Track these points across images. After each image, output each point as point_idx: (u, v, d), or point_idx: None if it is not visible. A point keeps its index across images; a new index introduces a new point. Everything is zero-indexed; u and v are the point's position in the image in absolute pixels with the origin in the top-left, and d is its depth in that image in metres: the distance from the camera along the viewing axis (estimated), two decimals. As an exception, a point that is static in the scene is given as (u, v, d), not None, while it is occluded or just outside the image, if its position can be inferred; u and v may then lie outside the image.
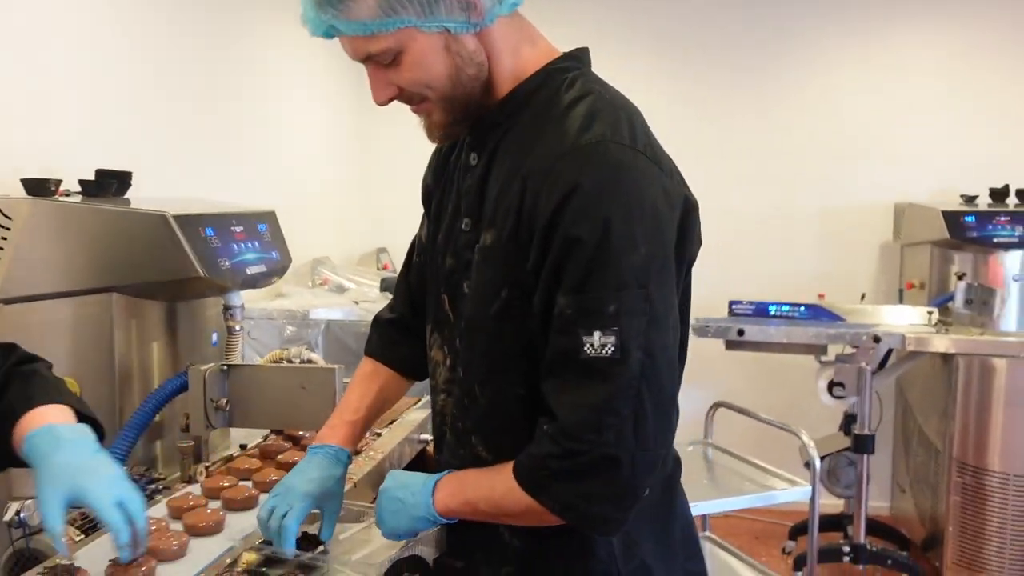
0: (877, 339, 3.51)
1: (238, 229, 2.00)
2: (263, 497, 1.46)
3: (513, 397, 1.16)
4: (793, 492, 2.47)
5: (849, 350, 3.69)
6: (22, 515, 1.34)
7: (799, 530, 3.95)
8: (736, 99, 4.43)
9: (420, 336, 1.36)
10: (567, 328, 1.05)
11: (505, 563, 1.23)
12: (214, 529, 1.37)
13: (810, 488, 2.45)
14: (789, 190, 4.42)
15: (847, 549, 3.61)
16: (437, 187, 1.31)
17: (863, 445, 3.60)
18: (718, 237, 4.35)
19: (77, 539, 1.40)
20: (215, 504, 1.47)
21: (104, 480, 1.07)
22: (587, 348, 1.03)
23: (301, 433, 1.90)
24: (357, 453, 1.77)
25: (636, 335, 1.03)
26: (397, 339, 1.44)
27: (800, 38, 4.38)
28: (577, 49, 1.21)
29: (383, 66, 1.12)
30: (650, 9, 4.42)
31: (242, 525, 1.40)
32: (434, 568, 1.27)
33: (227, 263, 1.88)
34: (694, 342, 3.86)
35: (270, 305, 3.12)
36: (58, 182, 1.88)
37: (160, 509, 1.47)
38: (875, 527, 3.90)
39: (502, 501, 1.13)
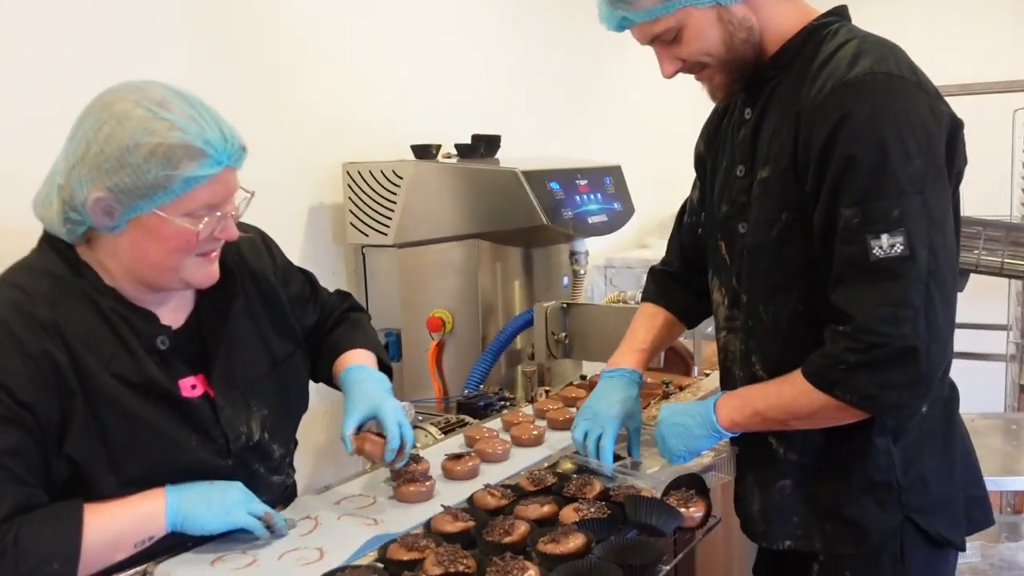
0: None
1: (582, 182, 2.22)
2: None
3: (794, 314, 1.24)
4: None
5: None
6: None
7: None
8: None
9: (690, 285, 1.55)
10: (854, 237, 1.14)
11: (781, 477, 1.32)
12: (535, 441, 1.61)
13: None
14: None
15: None
16: (710, 151, 1.44)
17: None
18: None
19: (439, 436, 1.73)
20: (541, 423, 1.70)
21: (392, 407, 1.38)
22: (876, 251, 1.12)
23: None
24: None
25: (921, 235, 1.11)
26: (671, 287, 1.59)
27: None
28: (836, 6, 1.29)
29: (667, 44, 1.27)
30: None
31: (562, 440, 1.61)
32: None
33: (570, 213, 2.11)
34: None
35: (630, 255, 3.34)
36: (438, 146, 2.25)
37: (496, 423, 1.74)
38: None
39: (792, 404, 1.23)
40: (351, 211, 2.21)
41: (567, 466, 1.52)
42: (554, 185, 2.10)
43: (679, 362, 2.13)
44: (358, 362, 1.45)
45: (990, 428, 2.56)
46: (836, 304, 1.16)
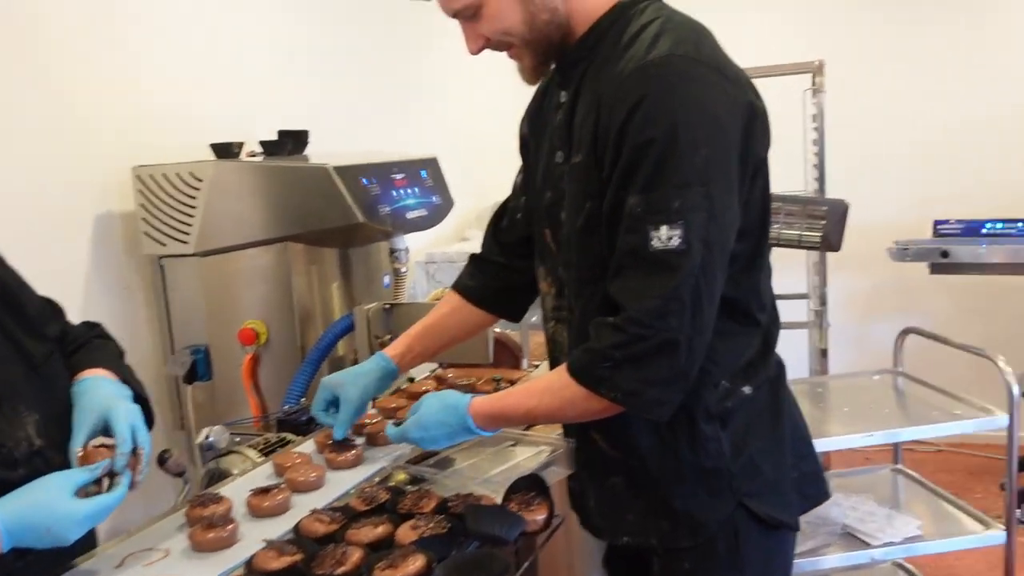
0: (1110, 255, 3.13)
1: (399, 176, 2.13)
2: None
3: (602, 307, 1.20)
4: (984, 421, 2.28)
5: (1079, 269, 3.32)
6: (210, 439, 1.54)
7: (1019, 466, 3.65)
8: (933, 4, 4.03)
9: (506, 273, 1.52)
10: (636, 225, 1.13)
11: (611, 474, 1.31)
12: (354, 462, 1.50)
13: (1007, 416, 2.26)
14: (998, 94, 3.96)
15: (1076, 486, 3.30)
16: (533, 135, 1.41)
17: (1092, 373, 3.25)
18: (918, 151, 4.07)
19: (258, 460, 1.60)
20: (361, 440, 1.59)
21: (126, 410, 1.25)
22: (654, 242, 1.11)
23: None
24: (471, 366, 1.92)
25: (698, 229, 1.11)
26: (479, 275, 1.57)
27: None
28: None
29: (469, 20, 1.25)
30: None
31: (394, 450, 1.53)
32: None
33: (387, 209, 2.02)
34: (894, 268, 3.64)
35: (451, 249, 3.28)
36: (240, 144, 2.09)
37: (308, 445, 1.62)
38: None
39: (547, 401, 1.23)
40: (144, 219, 2.01)
41: (400, 477, 1.45)
42: (368, 180, 2.00)
43: (508, 356, 2.09)
44: (92, 375, 1.31)
45: (797, 393, 2.68)
46: (611, 294, 1.15)
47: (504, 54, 1.30)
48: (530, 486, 1.28)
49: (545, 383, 1.26)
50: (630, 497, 1.31)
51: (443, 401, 1.32)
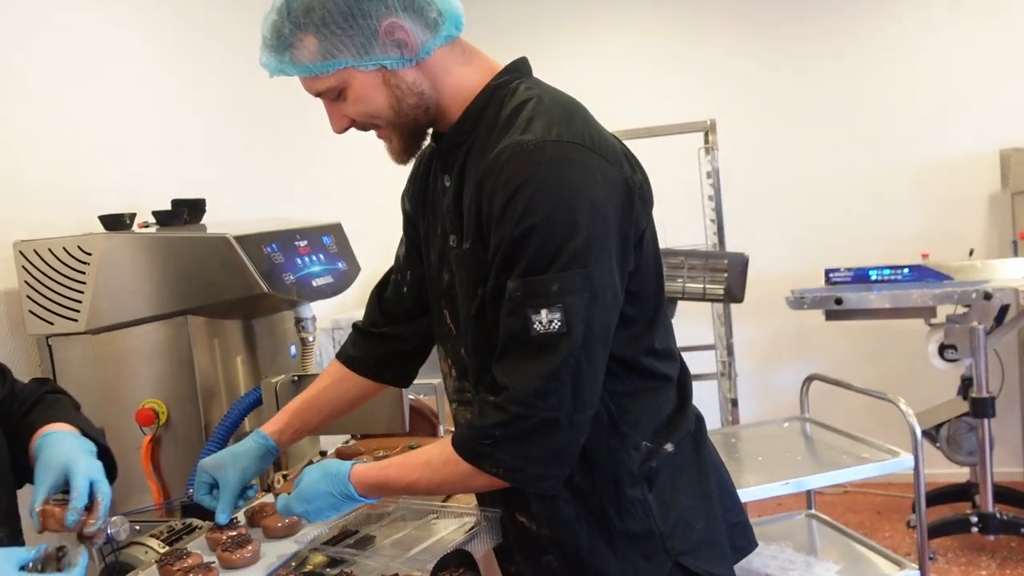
0: (988, 296, 3.31)
1: (302, 243, 2.07)
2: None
3: (492, 385, 1.19)
4: (893, 463, 2.34)
5: (960, 310, 3.50)
6: (110, 531, 1.42)
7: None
8: (818, 62, 4.25)
9: (391, 341, 1.52)
10: (516, 309, 1.13)
11: (543, 552, 1.28)
12: (249, 561, 1.40)
13: (912, 457, 2.33)
14: (881, 148, 4.21)
15: (975, 519, 3.42)
16: (421, 213, 1.40)
17: (982, 409, 3.40)
18: (810, 203, 4.25)
19: (162, 551, 1.48)
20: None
21: (87, 465, 1.21)
22: (536, 325, 1.11)
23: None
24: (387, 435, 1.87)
25: (579, 311, 1.11)
26: (362, 344, 1.56)
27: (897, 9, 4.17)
28: (515, 60, 1.29)
29: (333, 101, 1.23)
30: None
31: (308, 533, 1.45)
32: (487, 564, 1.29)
33: (291, 277, 1.95)
34: (793, 315, 3.75)
35: (358, 314, 3.20)
36: (132, 215, 1.99)
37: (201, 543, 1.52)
38: (1007, 495, 3.68)
39: (432, 472, 1.21)
40: (29, 296, 1.88)
41: (317, 560, 1.37)
42: (271, 248, 1.93)
43: (424, 423, 2.03)
44: (52, 430, 1.26)
45: (716, 444, 2.73)
46: (496, 376, 1.15)
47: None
48: (458, 562, 1.23)
49: (427, 456, 1.24)
50: (567, 573, 1.28)
51: (324, 471, 1.28)
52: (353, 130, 1.29)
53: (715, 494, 1.33)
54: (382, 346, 1.53)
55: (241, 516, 1.57)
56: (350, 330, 3.17)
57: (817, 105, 4.26)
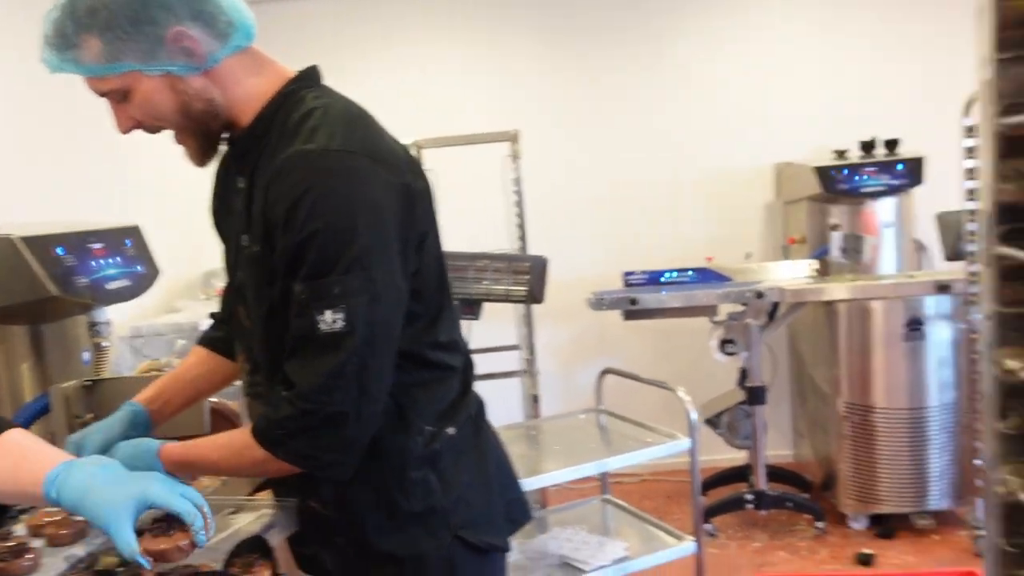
0: (760, 295, 3.68)
1: (97, 246, 2.02)
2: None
3: (285, 381, 1.26)
4: (672, 445, 2.59)
5: (739, 308, 3.86)
6: None
7: (708, 485, 4.12)
8: (618, 78, 4.54)
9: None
10: (303, 311, 1.20)
11: (335, 534, 1.37)
12: (74, 538, 1.40)
13: (689, 440, 2.58)
14: (674, 160, 4.55)
15: (750, 496, 3.79)
16: (222, 213, 1.44)
17: (755, 397, 3.78)
18: (610, 210, 4.54)
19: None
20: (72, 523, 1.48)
21: (156, 481, 1.11)
22: (321, 325, 1.18)
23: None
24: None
25: (361, 311, 1.19)
26: (219, 332, 1.59)
27: (671, 12, 4.51)
28: (306, 69, 1.34)
29: (118, 102, 1.25)
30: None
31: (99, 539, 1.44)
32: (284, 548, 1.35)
33: (85, 280, 1.90)
34: (596, 316, 3.99)
35: (159, 320, 3.13)
36: (-97, 216, 1.88)
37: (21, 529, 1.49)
38: (778, 474, 4.09)
39: (234, 457, 1.29)
40: None
41: (108, 560, 1.37)
42: (62, 250, 1.88)
43: (226, 425, 2.04)
44: (51, 462, 1.11)
45: (514, 437, 2.89)
46: (286, 373, 1.23)
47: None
48: (252, 549, 1.28)
49: (227, 439, 1.31)
50: (358, 552, 1.37)
51: (135, 447, 1.32)
52: (162, 138, 1.30)
53: (493, 473, 1.46)
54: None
55: (22, 527, 1.53)
56: (152, 337, 3.09)
57: (616, 118, 4.55)
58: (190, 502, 1.09)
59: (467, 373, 1.46)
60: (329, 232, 1.17)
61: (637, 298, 3.78)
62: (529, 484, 2.52)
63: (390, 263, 1.23)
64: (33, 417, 1.80)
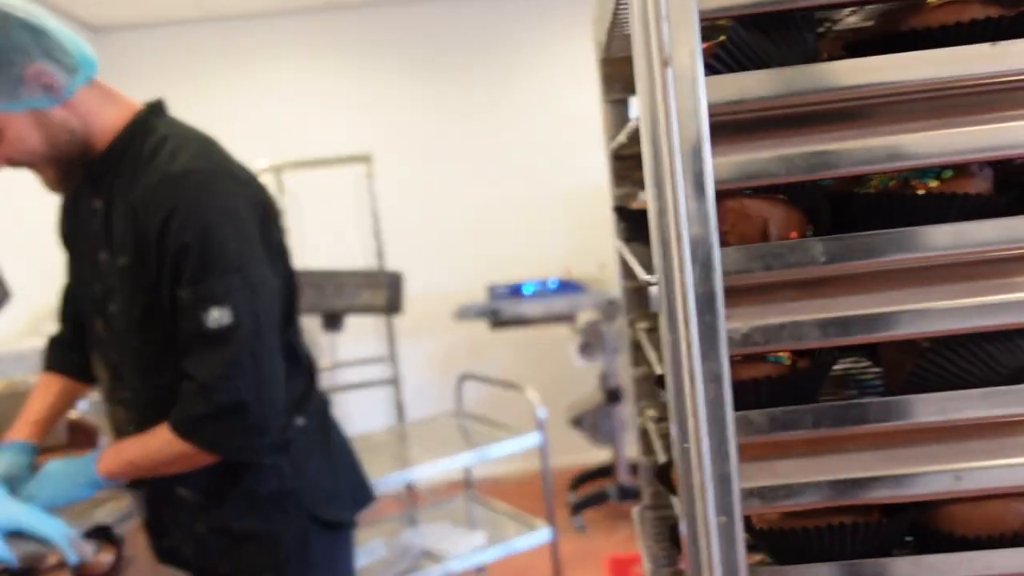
0: (612, 302, 3.94)
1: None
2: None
3: (166, 387, 1.40)
4: (524, 440, 2.78)
5: (595, 315, 4.11)
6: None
7: (578, 483, 4.35)
8: (471, 103, 4.77)
9: (83, 349, 1.60)
10: (191, 313, 1.34)
11: (195, 519, 1.50)
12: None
13: (538, 434, 2.78)
14: (534, 179, 4.80)
15: (612, 491, 4.03)
16: (72, 233, 1.55)
17: (613, 397, 4.03)
18: (473, 227, 4.76)
19: None
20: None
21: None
22: (209, 323, 1.32)
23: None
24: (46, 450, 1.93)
25: (244, 306, 1.34)
26: (65, 352, 1.67)
27: (521, 50, 4.79)
28: (154, 100, 1.48)
29: None
30: (398, 30, 4.70)
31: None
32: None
33: (-65, 300, 1.95)
34: (466, 328, 4.15)
35: (23, 344, 3.13)
36: None
37: None
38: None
39: (158, 453, 1.39)
40: None
41: None
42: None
43: (83, 436, 2.11)
44: None
45: (383, 441, 3.05)
46: (184, 368, 1.36)
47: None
48: (98, 534, 1.39)
49: (149, 439, 1.40)
50: (218, 539, 1.50)
51: (69, 460, 1.42)
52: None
53: (338, 459, 1.63)
54: (78, 352, 1.62)
55: None
56: (16, 361, 3.09)
57: (472, 142, 4.78)
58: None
59: (312, 371, 1.62)
60: (203, 241, 1.31)
61: (499, 308, 4.00)
62: (399, 479, 2.68)
63: (260, 264, 1.38)
64: None
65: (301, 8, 4.60)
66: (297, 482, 1.51)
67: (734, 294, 0.78)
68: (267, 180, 1.54)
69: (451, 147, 4.77)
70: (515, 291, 4.19)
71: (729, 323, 0.76)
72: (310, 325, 3.44)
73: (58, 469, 1.42)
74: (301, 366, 1.57)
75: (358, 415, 4.24)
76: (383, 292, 3.09)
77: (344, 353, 4.09)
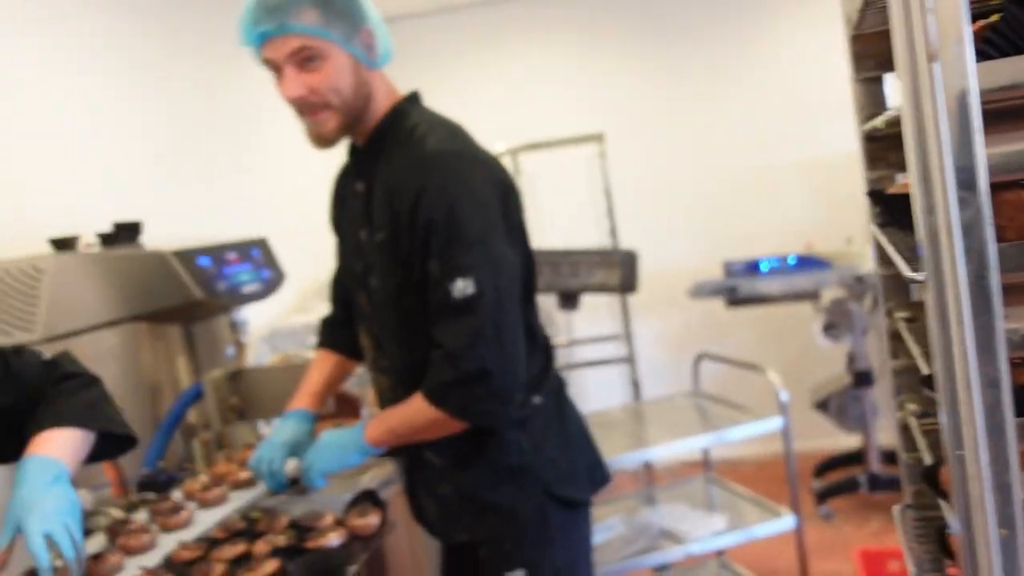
0: (860, 279, 3.70)
1: (232, 255, 2.34)
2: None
3: (421, 356, 1.51)
4: (765, 423, 2.69)
5: (841, 293, 3.89)
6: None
7: (823, 469, 4.16)
8: (703, 72, 4.62)
9: (352, 327, 1.75)
10: (438, 283, 1.44)
11: (441, 482, 1.60)
12: (218, 500, 1.70)
13: (781, 419, 2.68)
14: (772, 147, 4.59)
15: (863, 479, 3.80)
16: (339, 215, 1.71)
17: (862, 380, 3.79)
18: (707, 202, 4.63)
19: (120, 516, 1.74)
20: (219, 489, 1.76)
21: (36, 518, 1.17)
22: (455, 293, 1.42)
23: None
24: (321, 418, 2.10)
25: (486, 278, 1.43)
26: (336, 331, 1.83)
27: (755, 17, 4.56)
28: (412, 92, 1.62)
29: (301, 69, 1.45)
30: (628, 3, 4.67)
31: (244, 496, 1.72)
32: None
33: (223, 285, 2.22)
34: (699, 305, 4.07)
35: (293, 321, 3.48)
36: (76, 238, 2.24)
37: (178, 494, 1.80)
38: (893, 457, 4.06)
39: (414, 420, 1.50)
40: (-12, 313, 2.11)
41: (256, 515, 1.64)
42: (204, 261, 2.20)
43: (348, 406, 2.31)
44: (30, 457, 1.25)
45: (618, 419, 3.07)
46: (434, 337, 1.46)
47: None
48: (366, 499, 1.52)
49: (406, 407, 1.53)
50: (459, 502, 1.59)
51: (339, 430, 1.58)
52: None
53: (575, 436, 1.67)
54: (347, 331, 1.79)
55: (179, 493, 1.83)
56: (288, 336, 3.43)
57: (705, 113, 4.62)
58: (45, 545, 1.15)
59: (548, 351, 1.67)
60: (449, 217, 1.41)
61: (736, 286, 3.88)
62: (635, 458, 2.70)
63: (501, 240, 1.47)
64: (189, 401, 2.12)
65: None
66: (535, 458, 1.57)
67: (1013, 292, 0.71)
68: (504, 163, 1.60)
69: (682, 120, 4.66)
70: (752, 267, 4.04)
71: (1007, 323, 0.69)
72: (546, 304, 3.53)
73: (332, 439, 1.57)
74: (538, 345, 1.63)
75: (593, 392, 4.31)
76: (617, 271, 3.10)
77: (579, 331, 4.15)
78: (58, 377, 1.39)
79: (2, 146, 2.42)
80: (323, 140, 1.53)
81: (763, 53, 4.58)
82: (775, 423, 2.69)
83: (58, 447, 1.26)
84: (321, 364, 1.81)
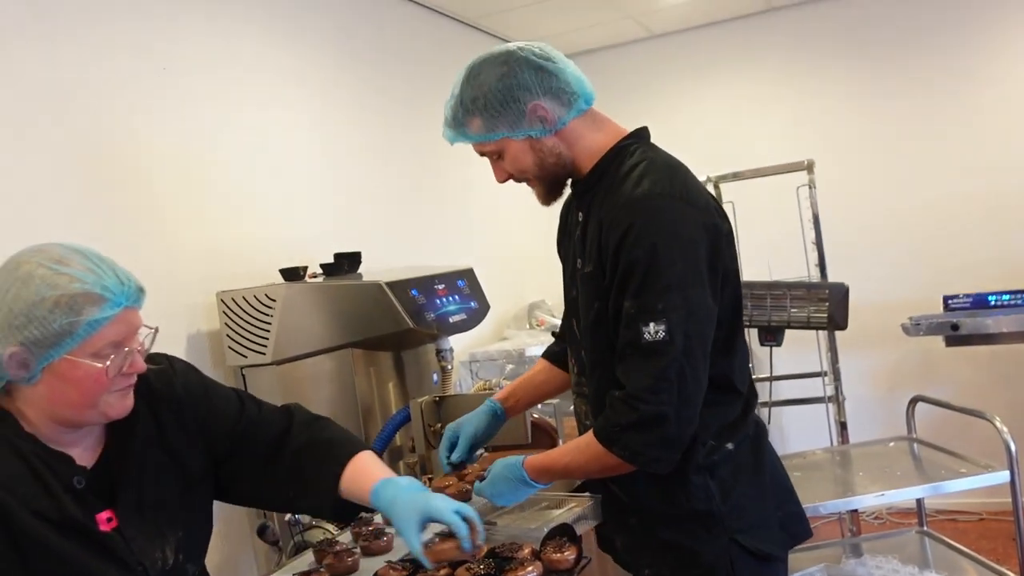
0: (1107, 318, 3.32)
1: (440, 286, 2.46)
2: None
3: (605, 388, 1.52)
4: (987, 477, 2.47)
5: (1084, 333, 3.50)
6: (297, 516, 1.82)
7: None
8: (914, 98, 4.33)
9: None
10: (630, 323, 1.45)
11: (629, 518, 1.61)
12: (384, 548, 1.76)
13: (1008, 472, 2.45)
14: (998, 174, 4.23)
15: (1107, 543, 3.39)
16: (562, 243, 1.76)
17: (1108, 431, 3.39)
18: (921, 232, 4.33)
19: (335, 532, 1.87)
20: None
21: (440, 501, 1.39)
22: (646, 335, 1.42)
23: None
24: (513, 447, 2.22)
25: (679, 324, 1.42)
26: (558, 347, 1.91)
27: (985, 30, 4.23)
28: (638, 128, 1.62)
29: (495, 161, 1.61)
30: (835, 25, 4.48)
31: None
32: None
33: (432, 315, 2.34)
34: (914, 342, 3.81)
35: (492, 347, 3.59)
36: (305, 268, 2.45)
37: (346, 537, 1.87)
38: None
39: (579, 457, 1.53)
40: (228, 335, 2.35)
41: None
42: (415, 292, 2.33)
43: (545, 437, 2.36)
44: (377, 478, 1.42)
45: (821, 461, 2.92)
46: (618, 376, 1.46)
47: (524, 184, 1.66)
48: (562, 533, 1.55)
49: (574, 444, 1.57)
50: (645, 536, 1.60)
51: (505, 462, 1.64)
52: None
53: (769, 487, 1.61)
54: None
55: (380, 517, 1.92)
56: (486, 362, 3.56)
57: (922, 139, 4.33)
58: (460, 516, 1.35)
59: (750, 400, 1.63)
60: (651, 258, 1.42)
61: (959, 323, 3.59)
62: (839, 505, 2.56)
63: (702, 287, 1.45)
64: (398, 425, 2.25)
65: (736, 14, 4.60)
66: (723, 504, 1.54)
67: None
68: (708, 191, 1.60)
69: (894, 146, 4.39)
70: (978, 302, 3.72)
71: None
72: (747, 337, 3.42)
73: (499, 469, 1.63)
74: (736, 392, 1.59)
75: (795, 433, 4.12)
76: (826, 306, 2.96)
77: (780, 365, 4.00)
78: (307, 420, 1.55)
79: (259, 191, 2.69)
80: (541, 200, 1.66)
81: (985, 74, 4.23)
82: (1001, 476, 2.47)
83: (380, 468, 1.46)
84: (535, 369, 1.92)
